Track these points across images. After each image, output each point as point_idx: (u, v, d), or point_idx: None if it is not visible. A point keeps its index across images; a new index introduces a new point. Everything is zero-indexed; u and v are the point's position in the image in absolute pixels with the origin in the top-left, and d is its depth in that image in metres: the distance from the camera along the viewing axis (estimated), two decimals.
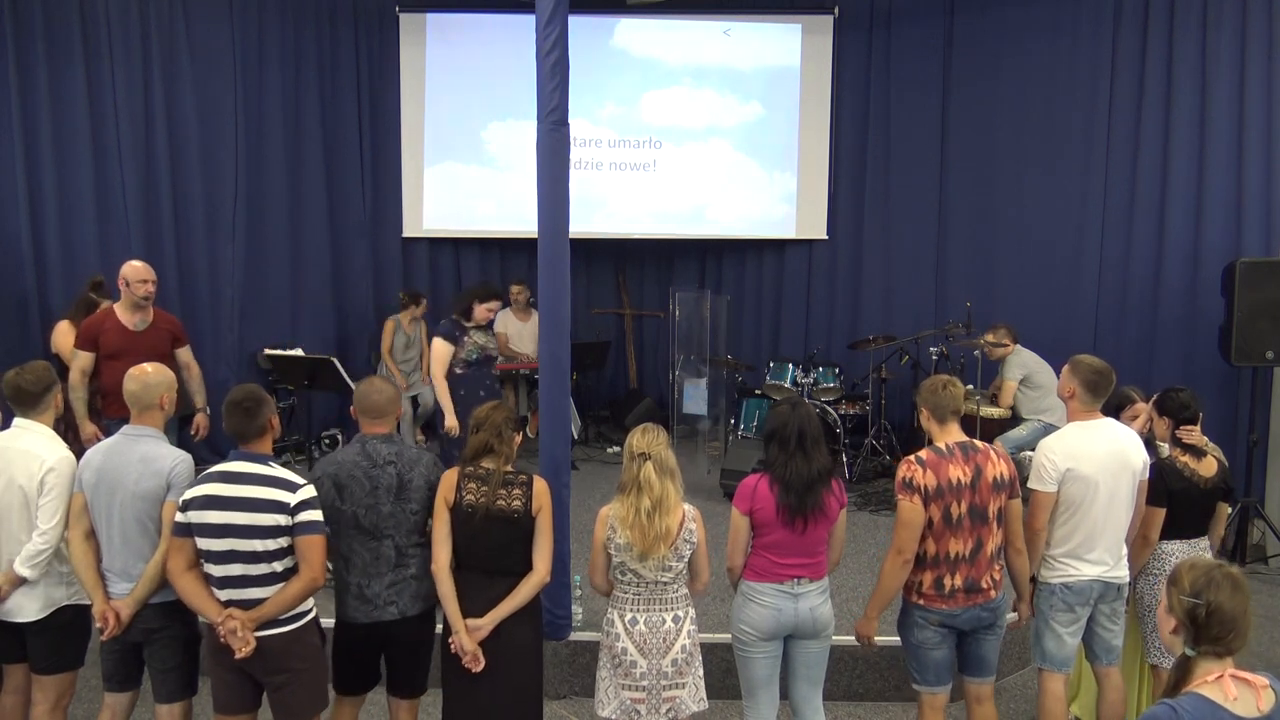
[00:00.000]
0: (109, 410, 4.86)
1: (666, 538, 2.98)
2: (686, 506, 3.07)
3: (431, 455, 3.24)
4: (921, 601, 3.20)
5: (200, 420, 5.21)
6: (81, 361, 4.85)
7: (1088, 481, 3.28)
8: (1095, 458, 3.30)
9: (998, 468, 3.19)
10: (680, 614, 3.08)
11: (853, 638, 3.48)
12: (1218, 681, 1.96)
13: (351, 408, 3.23)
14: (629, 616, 3.06)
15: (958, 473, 3.13)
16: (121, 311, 4.96)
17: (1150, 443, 3.67)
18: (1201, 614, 1.97)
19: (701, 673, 3.15)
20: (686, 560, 3.08)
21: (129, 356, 4.55)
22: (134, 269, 4.98)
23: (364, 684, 3.26)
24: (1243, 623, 1.97)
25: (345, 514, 3.07)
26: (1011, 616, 3.47)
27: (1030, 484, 3.37)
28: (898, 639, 3.38)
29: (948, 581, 3.16)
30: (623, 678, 3.05)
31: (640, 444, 3.06)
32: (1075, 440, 3.34)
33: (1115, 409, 3.99)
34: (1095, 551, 3.32)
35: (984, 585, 3.18)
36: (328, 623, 3.17)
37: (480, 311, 5.35)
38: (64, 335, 5.29)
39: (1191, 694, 1.96)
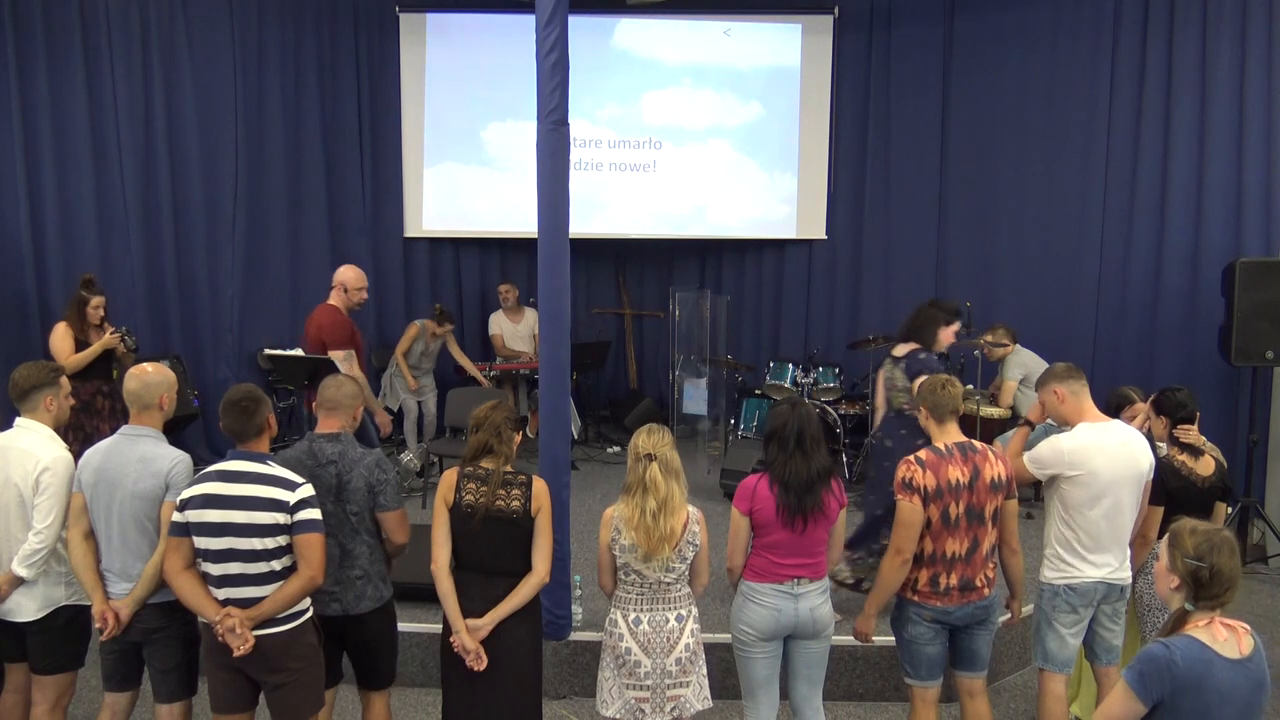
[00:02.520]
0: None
1: (671, 539, 2.99)
2: (691, 508, 3.08)
3: (376, 455, 3.20)
4: (916, 598, 3.23)
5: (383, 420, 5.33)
6: (355, 360, 5.11)
7: (1094, 483, 3.28)
8: (1104, 457, 3.30)
9: (995, 469, 3.20)
10: (683, 613, 3.09)
11: (853, 638, 3.49)
12: (1208, 626, 2.20)
13: (314, 403, 3.21)
14: (632, 616, 3.06)
15: (956, 473, 3.14)
16: (343, 313, 5.23)
17: (1149, 443, 3.67)
18: (1205, 575, 2.19)
19: (705, 671, 3.15)
20: (689, 561, 3.08)
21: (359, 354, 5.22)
22: (355, 275, 5.19)
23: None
24: (1238, 581, 2.23)
25: None
26: (1005, 615, 3.48)
27: (1026, 455, 3.42)
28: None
29: (943, 580, 3.18)
30: (627, 677, 3.05)
31: (645, 445, 3.06)
32: (1086, 441, 3.34)
33: (1115, 409, 4.00)
34: (1099, 553, 3.33)
35: (978, 584, 3.21)
36: None
37: (947, 336, 4.50)
38: (61, 338, 5.25)
39: (1184, 635, 2.21)
